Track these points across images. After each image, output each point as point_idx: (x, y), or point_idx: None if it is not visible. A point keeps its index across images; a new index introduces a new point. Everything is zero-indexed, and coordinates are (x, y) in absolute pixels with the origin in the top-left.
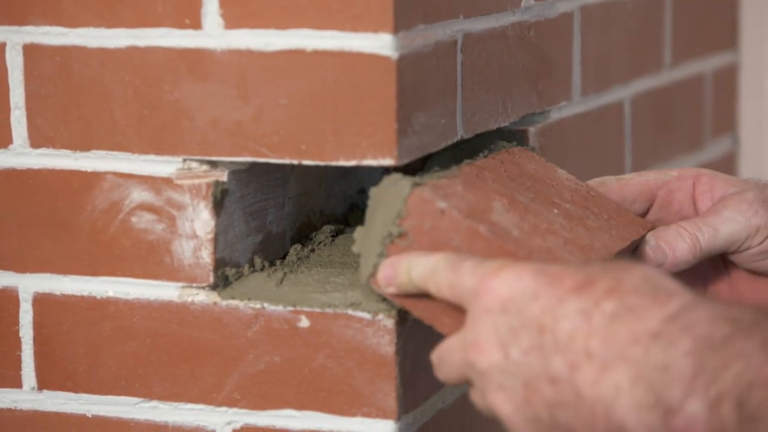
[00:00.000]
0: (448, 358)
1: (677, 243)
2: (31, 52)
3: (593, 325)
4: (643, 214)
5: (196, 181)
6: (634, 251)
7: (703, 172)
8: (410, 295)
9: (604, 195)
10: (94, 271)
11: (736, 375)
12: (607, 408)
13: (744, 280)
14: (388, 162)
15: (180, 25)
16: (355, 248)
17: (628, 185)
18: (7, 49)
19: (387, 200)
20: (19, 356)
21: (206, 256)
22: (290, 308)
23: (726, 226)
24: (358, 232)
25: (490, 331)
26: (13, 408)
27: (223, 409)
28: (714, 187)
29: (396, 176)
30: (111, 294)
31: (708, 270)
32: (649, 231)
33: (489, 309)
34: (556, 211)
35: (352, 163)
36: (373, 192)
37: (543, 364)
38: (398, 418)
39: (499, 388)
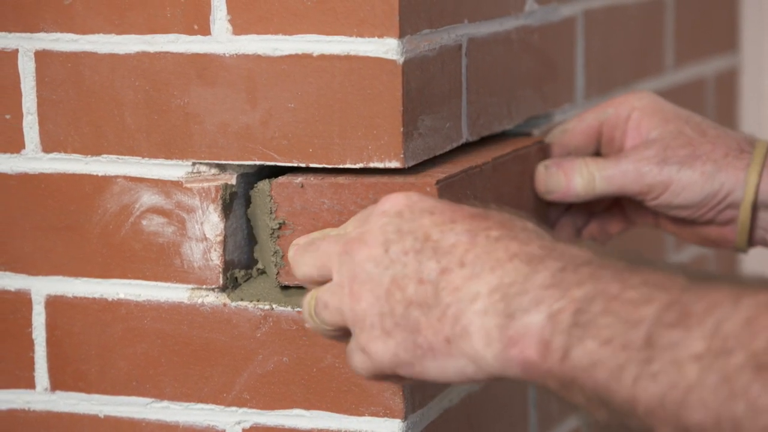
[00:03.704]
0: (320, 246)
1: (574, 176)
2: (42, 58)
3: (476, 243)
4: (596, 154)
5: (206, 185)
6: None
7: (635, 107)
8: None
9: None
10: (105, 273)
11: (584, 292)
12: (457, 312)
13: (668, 221)
14: (394, 164)
15: (189, 31)
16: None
17: (573, 135)
18: (20, 55)
19: (260, 208)
20: (32, 358)
21: (215, 258)
22: (298, 309)
23: (619, 177)
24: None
25: (378, 228)
26: (26, 409)
27: (233, 408)
28: (641, 125)
29: (256, 185)
30: (122, 296)
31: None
32: (538, 144)
33: (385, 212)
34: None
35: (359, 165)
36: (249, 212)
37: (417, 266)
38: (405, 417)
39: (368, 278)
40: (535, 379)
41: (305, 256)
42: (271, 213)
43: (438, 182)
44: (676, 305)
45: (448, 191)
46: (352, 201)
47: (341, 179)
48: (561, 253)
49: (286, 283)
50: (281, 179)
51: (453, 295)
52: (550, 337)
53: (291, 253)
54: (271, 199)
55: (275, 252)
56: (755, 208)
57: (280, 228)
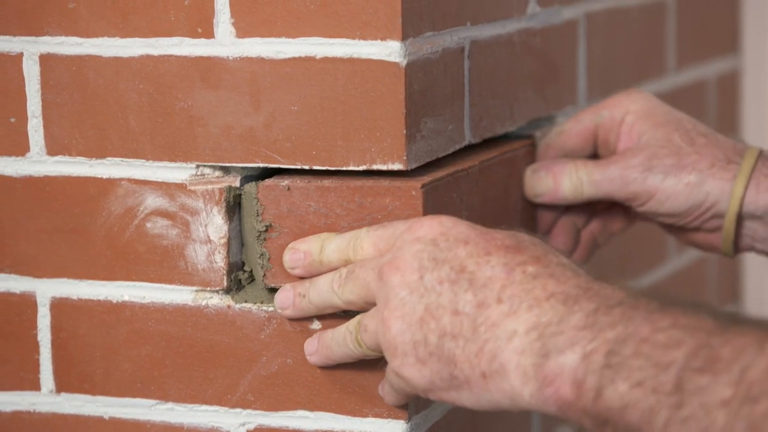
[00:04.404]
0: (359, 274)
1: (562, 180)
2: (47, 61)
3: (512, 279)
4: (593, 156)
5: (209, 187)
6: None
7: (629, 110)
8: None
9: None
10: (110, 275)
11: (616, 333)
12: (494, 349)
13: (660, 224)
14: (397, 166)
15: (193, 34)
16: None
17: (569, 137)
18: (24, 59)
19: (247, 211)
20: (38, 359)
21: (220, 260)
22: None
23: (606, 183)
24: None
25: (413, 254)
26: (31, 411)
27: (237, 410)
28: (633, 129)
29: (243, 187)
30: (126, 298)
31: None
32: (525, 147)
33: (420, 238)
34: None
35: (362, 168)
36: (241, 216)
37: (452, 296)
38: (409, 419)
39: (400, 304)
40: (571, 418)
41: (348, 284)
42: (257, 215)
43: (423, 186)
44: (704, 349)
45: (434, 195)
46: (338, 204)
47: (327, 182)
48: (595, 293)
49: (273, 285)
50: (268, 182)
51: (490, 331)
52: (583, 377)
53: (326, 282)
54: (258, 201)
55: (261, 254)
56: (740, 218)
57: (266, 230)
